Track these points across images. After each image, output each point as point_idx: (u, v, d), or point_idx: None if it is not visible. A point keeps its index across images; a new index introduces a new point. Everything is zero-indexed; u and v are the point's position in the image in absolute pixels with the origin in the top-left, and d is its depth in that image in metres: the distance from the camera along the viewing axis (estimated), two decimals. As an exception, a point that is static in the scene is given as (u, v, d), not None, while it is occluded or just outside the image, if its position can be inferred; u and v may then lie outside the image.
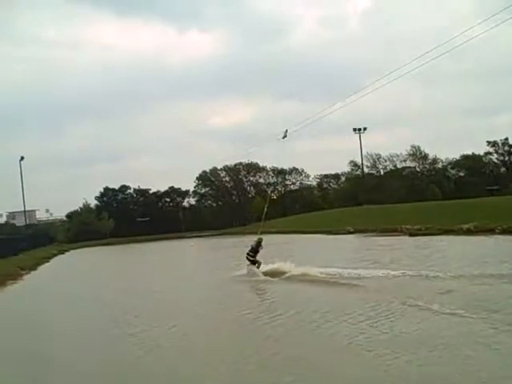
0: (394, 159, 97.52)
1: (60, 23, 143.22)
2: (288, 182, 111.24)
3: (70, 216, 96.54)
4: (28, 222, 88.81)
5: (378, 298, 14.02)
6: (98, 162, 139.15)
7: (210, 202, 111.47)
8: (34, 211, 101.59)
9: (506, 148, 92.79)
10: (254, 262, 20.92)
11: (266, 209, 27.16)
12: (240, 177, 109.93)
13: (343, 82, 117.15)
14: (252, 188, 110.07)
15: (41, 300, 20.37)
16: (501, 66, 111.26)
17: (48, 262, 43.90)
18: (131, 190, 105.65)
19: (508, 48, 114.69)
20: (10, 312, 17.78)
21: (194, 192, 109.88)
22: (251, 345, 10.65)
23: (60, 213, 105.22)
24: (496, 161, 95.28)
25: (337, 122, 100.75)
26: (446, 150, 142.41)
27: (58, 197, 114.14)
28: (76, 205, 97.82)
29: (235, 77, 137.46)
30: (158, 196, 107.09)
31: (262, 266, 21.05)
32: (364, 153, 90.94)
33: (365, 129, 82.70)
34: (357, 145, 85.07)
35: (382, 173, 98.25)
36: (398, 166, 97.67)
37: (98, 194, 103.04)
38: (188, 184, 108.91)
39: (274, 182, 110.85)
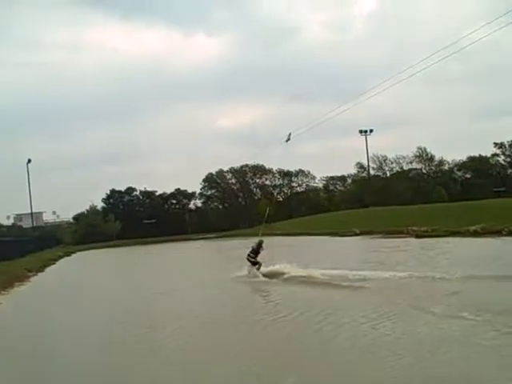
0: (401, 161, 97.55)
1: (67, 27, 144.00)
2: (294, 184, 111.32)
3: (76, 218, 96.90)
4: (35, 224, 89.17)
5: (382, 299, 13.94)
6: (104, 165, 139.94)
7: (216, 204, 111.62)
8: (40, 213, 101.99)
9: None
10: (254, 263, 21.09)
11: (267, 211, 27.16)
12: (246, 179, 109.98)
13: (350, 84, 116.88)
14: (258, 190, 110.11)
15: (47, 301, 20.40)
16: (508, 67, 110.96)
17: (55, 263, 44.02)
18: (137, 192, 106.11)
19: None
20: (19, 313, 17.81)
21: (201, 194, 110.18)
22: (251, 345, 10.68)
23: (67, 215, 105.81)
24: (503, 162, 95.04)
25: (343, 123, 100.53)
26: (452, 151, 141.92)
27: (65, 199, 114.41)
28: (83, 207, 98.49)
29: (242, 80, 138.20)
30: (165, 198, 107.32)
31: (262, 267, 21.21)
32: (370, 155, 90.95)
33: (371, 131, 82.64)
34: (363, 147, 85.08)
35: (388, 175, 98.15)
36: (405, 168, 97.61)
37: (104, 197, 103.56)
38: (194, 186, 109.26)
39: (280, 184, 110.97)
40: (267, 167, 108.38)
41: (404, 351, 8.90)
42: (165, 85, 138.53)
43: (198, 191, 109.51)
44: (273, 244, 44.82)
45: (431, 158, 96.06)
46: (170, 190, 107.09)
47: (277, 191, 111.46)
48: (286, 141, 26.14)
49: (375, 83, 79.76)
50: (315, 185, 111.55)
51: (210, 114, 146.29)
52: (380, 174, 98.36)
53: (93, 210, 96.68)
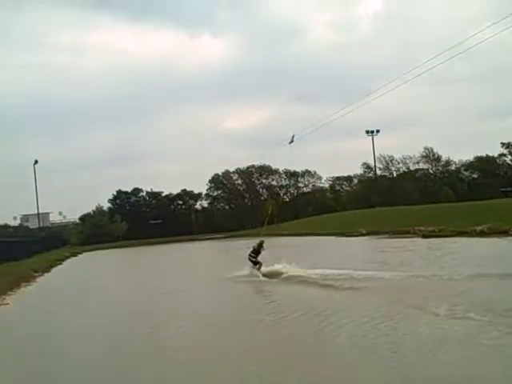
0: (407, 161, 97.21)
1: (72, 29, 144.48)
2: (300, 185, 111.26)
3: (83, 219, 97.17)
4: (41, 225, 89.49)
5: (385, 299, 13.91)
6: (110, 166, 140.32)
7: (222, 204, 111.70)
8: (47, 214, 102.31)
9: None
10: (255, 263, 21.53)
11: (269, 212, 27.33)
12: (252, 179, 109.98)
13: (355, 84, 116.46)
14: (264, 190, 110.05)
15: (53, 301, 20.45)
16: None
17: (61, 264, 44.18)
18: (144, 193, 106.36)
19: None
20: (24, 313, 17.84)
21: (207, 195, 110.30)
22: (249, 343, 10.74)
23: (73, 215, 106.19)
24: (510, 162, 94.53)
25: (349, 124, 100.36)
26: (459, 151, 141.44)
27: (71, 200, 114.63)
28: (89, 208, 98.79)
29: (247, 81, 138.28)
30: (171, 199, 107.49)
31: (262, 267, 21.60)
32: (377, 155, 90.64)
33: (377, 131, 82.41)
34: (369, 147, 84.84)
35: (394, 175, 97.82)
36: (411, 168, 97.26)
37: (110, 197, 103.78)
38: (200, 187, 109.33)
39: (286, 185, 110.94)
40: (273, 168, 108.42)
41: (406, 351, 8.86)
42: (171, 86, 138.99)
43: (205, 192, 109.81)
44: (279, 244, 45.03)
45: (438, 158, 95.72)
46: (176, 190, 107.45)
47: (283, 191, 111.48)
48: (290, 143, 26.34)
49: (381, 84, 79.62)
50: (321, 185, 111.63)
51: (216, 115, 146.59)
52: (386, 174, 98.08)
53: (99, 211, 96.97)
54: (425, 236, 38.35)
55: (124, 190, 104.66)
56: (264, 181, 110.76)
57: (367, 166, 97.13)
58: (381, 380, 7.73)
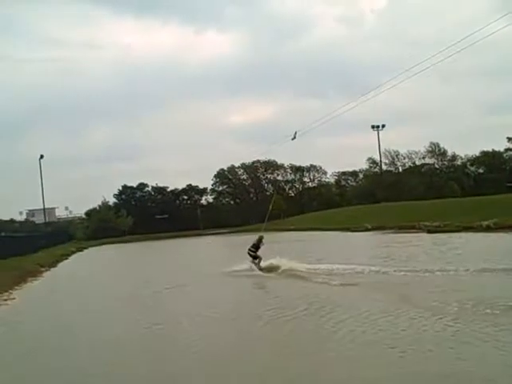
0: (413, 156, 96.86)
1: (80, 24, 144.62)
2: (306, 180, 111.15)
3: (88, 214, 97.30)
4: (47, 220, 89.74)
5: (388, 295, 13.87)
6: (116, 161, 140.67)
7: (227, 199, 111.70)
8: (53, 209, 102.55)
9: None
10: (255, 257, 21.94)
11: (270, 209, 27.57)
12: (258, 174, 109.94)
13: (362, 79, 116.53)
14: (270, 185, 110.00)
15: (59, 296, 20.52)
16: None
17: (67, 259, 44.35)
18: (149, 188, 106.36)
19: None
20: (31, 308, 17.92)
21: (212, 190, 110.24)
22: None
23: (79, 210, 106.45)
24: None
25: (355, 119, 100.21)
26: (465, 146, 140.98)
27: (77, 195, 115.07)
28: (95, 202, 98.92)
29: (254, 76, 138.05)
30: (176, 194, 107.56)
31: (262, 261, 21.99)
32: (382, 150, 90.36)
33: (383, 126, 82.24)
34: (375, 142, 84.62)
35: (400, 170, 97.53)
36: (417, 163, 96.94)
37: (116, 192, 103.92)
38: (206, 182, 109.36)
39: (292, 180, 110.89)
40: (279, 163, 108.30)
41: (406, 347, 8.81)
42: (177, 82, 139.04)
43: (210, 187, 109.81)
44: (284, 239, 45.11)
45: (444, 153, 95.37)
46: (181, 185, 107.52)
47: (288, 186, 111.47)
48: (292, 139, 26.50)
49: (387, 78, 79.59)
50: (327, 180, 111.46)
51: (221, 110, 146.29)
52: (392, 169, 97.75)
53: (105, 206, 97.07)
54: (430, 231, 38.30)
55: (129, 184, 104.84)
56: (269, 176, 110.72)
57: (373, 161, 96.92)
58: (381, 376, 7.70)
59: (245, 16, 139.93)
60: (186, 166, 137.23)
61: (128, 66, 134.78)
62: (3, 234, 46.31)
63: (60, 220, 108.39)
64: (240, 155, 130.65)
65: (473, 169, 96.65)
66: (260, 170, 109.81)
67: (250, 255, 22.09)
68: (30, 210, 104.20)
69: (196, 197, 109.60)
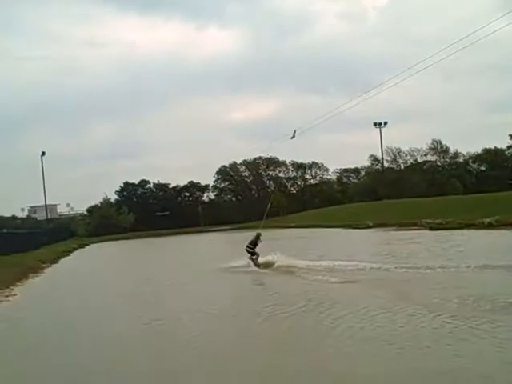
0: (415, 153, 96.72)
1: (82, 21, 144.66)
2: (308, 177, 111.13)
3: (90, 210, 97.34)
4: (49, 217, 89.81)
5: (388, 291, 13.81)
6: (118, 158, 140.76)
7: (229, 196, 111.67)
8: (55, 205, 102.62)
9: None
10: (252, 254, 22.38)
11: (268, 207, 27.83)
12: (260, 171, 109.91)
13: (364, 76, 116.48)
14: (272, 182, 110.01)
15: (60, 293, 20.52)
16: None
17: (68, 255, 44.37)
18: (151, 185, 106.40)
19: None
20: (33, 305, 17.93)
21: (214, 187, 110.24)
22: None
23: (81, 207, 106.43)
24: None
25: (357, 116, 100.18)
26: (467, 143, 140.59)
27: (79, 191, 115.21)
28: (96, 199, 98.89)
29: (255, 72, 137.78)
30: (178, 191, 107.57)
31: (259, 257, 22.40)
32: (384, 147, 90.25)
33: (385, 123, 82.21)
34: (377, 139, 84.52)
35: (402, 167, 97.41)
36: (419, 161, 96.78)
37: (118, 189, 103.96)
38: (207, 179, 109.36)
39: (293, 177, 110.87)
40: (280, 159, 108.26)
41: (404, 344, 8.81)
42: (179, 78, 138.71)
43: (212, 184, 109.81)
44: (286, 236, 45.16)
45: (446, 150, 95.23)
46: (183, 182, 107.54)
47: (290, 183, 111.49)
48: (292, 137, 26.62)
49: (390, 75, 79.51)
50: (329, 177, 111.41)
51: (223, 106, 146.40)
52: (394, 166, 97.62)
53: (106, 203, 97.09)
54: (432, 228, 38.23)
55: (131, 181, 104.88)
56: (271, 173, 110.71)
57: (375, 158, 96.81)
58: (379, 373, 7.69)
59: (246, 12, 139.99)
60: (188, 162, 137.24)
61: (129, 63, 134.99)
62: (5, 230, 46.32)
63: (62, 217, 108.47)
64: (242, 152, 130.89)
65: (475, 166, 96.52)
66: (262, 166, 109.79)
67: (248, 252, 22.48)
68: (31, 207, 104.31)
69: (198, 194, 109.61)
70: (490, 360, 7.82)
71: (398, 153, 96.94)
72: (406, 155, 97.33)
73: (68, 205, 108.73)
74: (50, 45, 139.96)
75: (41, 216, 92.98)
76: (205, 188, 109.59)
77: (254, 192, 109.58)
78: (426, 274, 16.32)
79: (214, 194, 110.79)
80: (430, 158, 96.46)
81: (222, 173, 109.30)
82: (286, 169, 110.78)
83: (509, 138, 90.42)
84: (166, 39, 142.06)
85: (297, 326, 11.11)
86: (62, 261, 38.28)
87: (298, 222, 70.24)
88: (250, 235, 23.76)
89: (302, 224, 65.25)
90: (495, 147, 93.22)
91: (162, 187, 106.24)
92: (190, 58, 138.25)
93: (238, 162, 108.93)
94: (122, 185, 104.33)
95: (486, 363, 7.72)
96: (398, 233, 38.67)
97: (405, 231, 38.99)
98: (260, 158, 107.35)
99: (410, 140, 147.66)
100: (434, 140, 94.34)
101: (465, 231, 34.06)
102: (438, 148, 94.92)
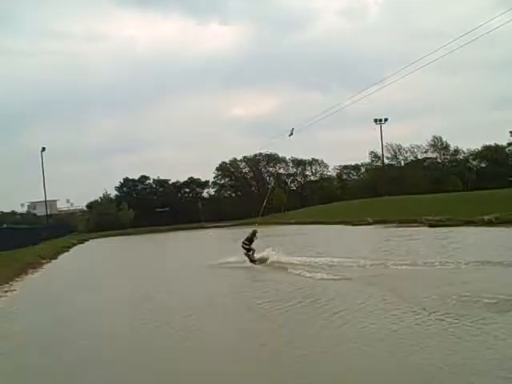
0: (415, 150, 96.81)
1: (82, 17, 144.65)
2: (308, 173, 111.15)
3: (90, 206, 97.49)
4: (49, 212, 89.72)
5: (383, 288, 13.73)
6: (118, 153, 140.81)
7: (229, 192, 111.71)
8: (54, 201, 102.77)
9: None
10: (248, 250, 22.70)
11: (264, 203, 27.99)
12: (260, 167, 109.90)
13: (365, 72, 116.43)
14: (272, 179, 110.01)
15: (59, 288, 20.53)
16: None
17: (68, 251, 44.45)
18: (151, 181, 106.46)
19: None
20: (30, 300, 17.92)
21: (214, 183, 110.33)
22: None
23: (80, 203, 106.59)
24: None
25: (357, 112, 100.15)
26: (467, 140, 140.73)
27: (79, 187, 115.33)
28: (96, 195, 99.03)
29: (256, 68, 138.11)
30: (178, 186, 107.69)
31: (255, 253, 22.73)
32: (384, 144, 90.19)
33: (386, 120, 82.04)
34: (377, 136, 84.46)
35: (402, 164, 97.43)
36: (419, 157, 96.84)
37: (117, 185, 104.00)
38: (208, 175, 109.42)
39: (293, 173, 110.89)
40: (280, 156, 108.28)
41: (397, 343, 8.76)
42: (179, 74, 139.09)
43: (212, 180, 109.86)
44: (286, 232, 45.14)
45: (446, 147, 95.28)
46: (183, 178, 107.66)
47: (290, 180, 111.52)
48: (289, 135, 26.62)
49: (391, 71, 79.34)
50: (329, 174, 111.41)
51: (224, 102, 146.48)
52: (394, 163, 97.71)
53: (106, 198, 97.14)
54: (431, 225, 38.15)
55: (131, 177, 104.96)
56: (271, 169, 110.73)
57: (375, 155, 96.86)
58: (370, 371, 7.66)
59: (247, 9, 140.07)
60: (188, 158, 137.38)
61: (130, 58, 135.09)
62: (5, 225, 46.36)
63: (61, 212, 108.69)
64: (242, 148, 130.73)
65: (475, 163, 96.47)
66: (262, 163, 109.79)
67: (244, 248, 22.78)
68: (31, 203, 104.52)
69: (198, 190, 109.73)
70: (483, 357, 7.78)
71: (399, 149, 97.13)
72: (407, 152, 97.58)
73: (68, 201, 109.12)
74: (51, 40, 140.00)
75: (40, 212, 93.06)
76: (205, 184, 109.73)
77: (253, 188, 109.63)
78: (425, 271, 16.26)
79: (214, 190, 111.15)
80: (430, 154, 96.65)
81: (222, 169, 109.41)
82: (286, 165, 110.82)
83: (509, 134, 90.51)
84: (166, 34, 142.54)
85: (291, 323, 11.04)
86: (61, 256, 38.33)
87: (298, 218, 70.23)
88: (249, 231, 23.81)
89: (302, 220, 65.25)
90: (495, 144, 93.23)
91: (161, 183, 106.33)
92: (191, 53, 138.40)
93: (239, 158, 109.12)
94: (122, 181, 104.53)
95: (479, 360, 7.69)
96: (398, 229, 38.61)
97: (405, 228, 38.94)
98: (260, 154, 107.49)
99: (411, 137, 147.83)
100: (434, 137, 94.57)
101: (464, 228, 33.95)
102: (439, 145, 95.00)
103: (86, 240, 63.62)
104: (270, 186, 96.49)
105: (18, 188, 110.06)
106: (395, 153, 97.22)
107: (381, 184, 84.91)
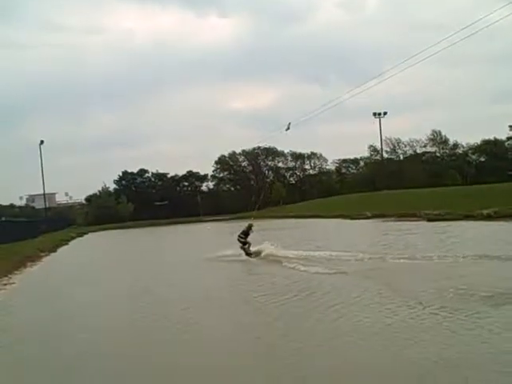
0: (414, 144, 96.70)
1: (81, 9, 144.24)
2: (307, 167, 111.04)
3: (89, 199, 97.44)
4: (47, 205, 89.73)
5: (379, 282, 13.76)
6: (117, 147, 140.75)
7: (228, 186, 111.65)
8: (53, 194, 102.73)
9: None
10: (244, 243, 22.88)
11: (261, 197, 28.10)
12: (258, 161, 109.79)
13: (363, 65, 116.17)
14: (271, 172, 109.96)
15: (58, 282, 20.55)
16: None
17: (67, 244, 44.48)
18: (149, 174, 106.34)
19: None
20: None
21: (213, 176, 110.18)
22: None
23: (79, 196, 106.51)
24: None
25: (356, 106, 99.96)
26: (467, 134, 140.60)
27: (78, 180, 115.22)
28: (95, 188, 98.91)
29: (255, 61, 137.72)
30: (177, 180, 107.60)
31: (251, 247, 22.93)
32: (383, 137, 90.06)
33: (385, 113, 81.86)
34: (376, 129, 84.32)
35: (401, 158, 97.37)
36: (418, 151, 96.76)
37: (116, 178, 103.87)
38: (206, 168, 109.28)
39: (292, 167, 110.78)
40: (279, 149, 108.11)
41: (392, 336, 8.79)
42: (177, 66, 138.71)
43: (210, 173, 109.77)
44: (284, 226, 45.17)
45: (445, 141, 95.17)
46: (182, 172, 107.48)
47: (289, 174, 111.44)
48: (286, 130, 26.68)
49: (390, 64, 79.36)
50: (328, 167, 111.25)
51: (222, 95, 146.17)
52: (393, 157, 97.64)
53: (105, 192, 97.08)
54: (430, 219, 38.18)
55: (130, 170, 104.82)
56: (270, 163, 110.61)
57: (374, 149, 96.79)
58: (366, 364, 7.69)
59: (246, 1, 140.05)
60: (187, 151, 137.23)
61: (128, 50, 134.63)
62: (3, 218, 46.34)
63: (60, 205, 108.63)
64: (241, 141, 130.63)
65: (474, 157, 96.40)
66: (261, 156, 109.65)
67: (240, 241, 22.94)
68: (30, 196, 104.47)
69: (196, 183, 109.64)
70: (478, 351, 7.81)
71: (398, 143, 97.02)
72: (406, 146, 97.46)
73: (66, 194, 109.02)
74: (50, 33, 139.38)
75: (39, 205, 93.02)
76: (204, 177, 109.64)
77: (252, 182, 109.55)
78: (423, 265, 16.29)
79: (213, 183, 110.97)
80: (429, 148, 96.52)
81: (221, 162, 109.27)
82: (285, 159, 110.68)
83: (509, 128, 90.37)
84: (164, 27, 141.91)
85: (286, 316, 11.08)
86: (60, 250, 38.38)
87: (297, 212, 70.21)
88: (245, 225, 23.89)
89: (301, 214, 65.24)
90: (495, 138, 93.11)
91: (160, 176, 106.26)
92: (189, 45, 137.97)
93: (237, 151, 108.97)
94: (121, 174, 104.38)
95: (474, 353, 7.72)
96: (397, 223, 38.63)
97: (403, 222, 38.95)
98: (259, 147, 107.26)
99: (410, 130, 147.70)
100: (433, 131, 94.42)
101: (463, 222, 33.95)
102: (438, 139, 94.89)
103: (85, 233, 63.65)
104: (268, 180, 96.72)
105: (16, 181, 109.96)
106: (394, 147, 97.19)
107: (380, 178, 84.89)
